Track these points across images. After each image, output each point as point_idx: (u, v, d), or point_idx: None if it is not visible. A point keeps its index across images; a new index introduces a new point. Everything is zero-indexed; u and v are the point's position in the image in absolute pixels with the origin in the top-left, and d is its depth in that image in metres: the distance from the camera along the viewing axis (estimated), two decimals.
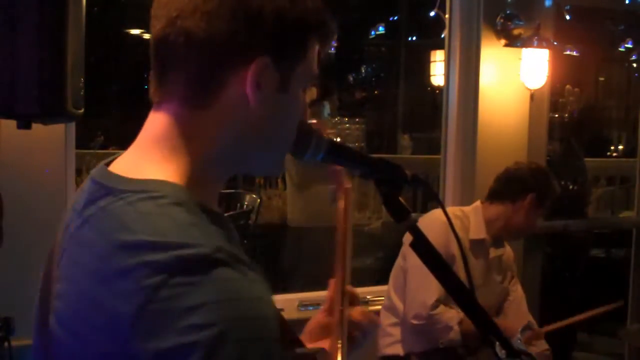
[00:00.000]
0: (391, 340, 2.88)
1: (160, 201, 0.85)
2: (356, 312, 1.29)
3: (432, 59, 6.68)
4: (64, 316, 0.88)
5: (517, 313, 3.02)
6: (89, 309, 0.84)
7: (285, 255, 5.09)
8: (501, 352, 1.17)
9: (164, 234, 0.81)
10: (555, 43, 3.82)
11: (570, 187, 5.00)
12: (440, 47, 5.03)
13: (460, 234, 2.82)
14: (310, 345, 1.29)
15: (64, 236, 0.94)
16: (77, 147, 3.02)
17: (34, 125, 1.94)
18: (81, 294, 0.86)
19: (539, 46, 3.70)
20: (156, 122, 0.95)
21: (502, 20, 3.72)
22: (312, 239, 4.78)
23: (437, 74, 6.45)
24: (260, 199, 6.20)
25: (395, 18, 11.45)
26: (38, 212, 2.68)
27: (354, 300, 1.31)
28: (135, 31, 9.13)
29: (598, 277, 5.28)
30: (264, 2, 0.90)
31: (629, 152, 7.41)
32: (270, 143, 0.98)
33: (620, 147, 9.26)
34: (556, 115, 6.66)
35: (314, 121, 1.15)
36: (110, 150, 6.85)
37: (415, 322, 2.75)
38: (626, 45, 9.99)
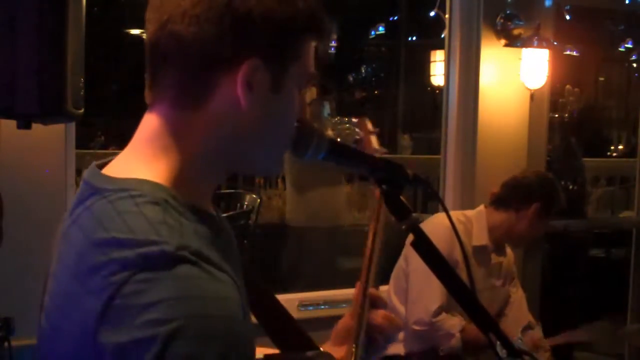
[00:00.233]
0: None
1: (138, 200, 0.87)
2: (378, 316, 1.28)
3: (432, 59, 6.69)
4: (49, 312, 0.92)
5: (517, 313, 3.01)
6: (67, 305, 0.87)
7: (285, 255, 5.09)
8: (502, 352, 1.17)
9: (133, 232, 0.83)
10: (555, 43, 3.81)
11: (570, 187, 5.00)
12: (440, 47, 5.03)
13: (464, 239, 2.81)
14: (328, 349, 1.29)
15: (59, 237, 0.97)
16: (77, 147, 3.02)
17: (34, 125, 1.94)
18: (62, 290, 0.89)
19: (539, 46, 3.70)
20: (148, 123, 0.96)
21: (502, 20, 3.72)
22: (312, 239, 4.79)
23: (437, 74, 6.46)
24: (260, 199, 6.20)
25: (395, 18, 11.46)
26: (38, 212, 2.68)
27: (377, 303, 1.30)
28: (135, 31, 9.13)
29: (598, 277, 5.28)
30: (252, 5, 0.91)
31: (629, 152, 7.40)
32: (266, 143, 0.98)
33: (620, 147, 9.26)
34: (556, 115, 6.67)
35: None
36: (110, 150, 6.86)
37: (416, 327, 2.75)
38: (626, 45, 9.99)
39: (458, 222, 2.84)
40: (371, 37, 11.59)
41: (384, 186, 1.15)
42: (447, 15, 3.82)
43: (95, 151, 6.59)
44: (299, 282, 4.76)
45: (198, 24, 0.90)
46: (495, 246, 2.92)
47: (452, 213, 2.94)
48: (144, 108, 0.99)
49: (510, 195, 2.89)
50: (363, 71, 12.71)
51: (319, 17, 0.97)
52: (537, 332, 3.01)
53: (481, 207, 2.96)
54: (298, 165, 4.53)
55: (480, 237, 2.88)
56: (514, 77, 3.76)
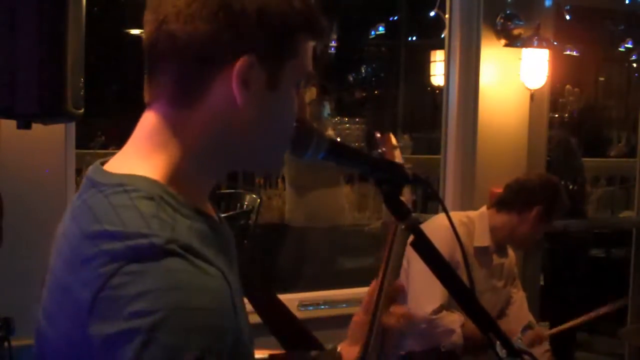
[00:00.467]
0: None
1: (132, 194, 0.88)
2: (391, 318, 1.26)
3: (432, 59, 6.69)
4: (46, 306, 0.94)
5: (518, 313, 3.01)
6: (61, 297, 0.88)
7: (285, 255, 5.09)
8: (502, 352, 1.17)
9: (125, 225, 0.85)
10: (555, 43, 3.81)
11: (570, 187, 5.00)
12: (440, 47, 5.03)
13: (465, 240, 2.81)
14: (344, 348, 1.28)
15: (59, 232, 0.98)
16: (77, 147, 3.02)
17: (34, 125, 1.94)
18: (57, 282, 0.91)
19: (539, 46, 3.70)
20: (146, 121, 0.97)
21: (502, 20, 3.72)
22: (312, 239, 4.79)
23: (437, 74, 6.46)
24: (260, 199, 6.20)
25: (395, 18, 11.45)
26: (38, 212, 2.68)
27: (397, 298, 1.28)
28: (135, 31, 9.12)
29: (598, 277, 5.28)
30: (247, 2, 0.91)
31: (629, 152, 7.40)
32: (264, 140, 0.98)
33: (620, 143, 9.23)
34: (556, 115, 6.67)
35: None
36: (110, 150, 6.85)
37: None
38: (626, 45, 9.99)
39: (460, 224, 2.83)
40: (371, 37, 11.58)
41: (384, 186, 1.15)
42: (447, 15, 3.82)
43: (95, 151, 6.58)
44: (299, 282, 4.76)
45: (192, 22, 0.91)
46: (497, 247, 2.91)
47: (455, 214, 2.94)
48: (144, 108, 1.00)
49: (513, 198, 2.88)
50: (363, 71, 12.71)
51: (314, 16, 0.98)
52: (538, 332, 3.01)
53: (483, 209, 2.95)
54: (297, 165, 4.53)
55: (482, 239, 2.87)
56: (514, 77, 3.76)
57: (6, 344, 2.34)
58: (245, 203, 6.09)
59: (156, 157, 0.94)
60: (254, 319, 1.22)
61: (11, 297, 2.43)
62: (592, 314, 3.14)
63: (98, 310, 0.82)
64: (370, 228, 6.73)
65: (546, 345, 2.99)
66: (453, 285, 1.16)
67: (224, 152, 0.97)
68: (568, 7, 4.24)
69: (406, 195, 1.35)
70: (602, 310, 3.14)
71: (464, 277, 1.19)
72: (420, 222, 2.46)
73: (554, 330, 3.04)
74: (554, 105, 6.45)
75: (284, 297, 3.50)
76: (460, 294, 1.16)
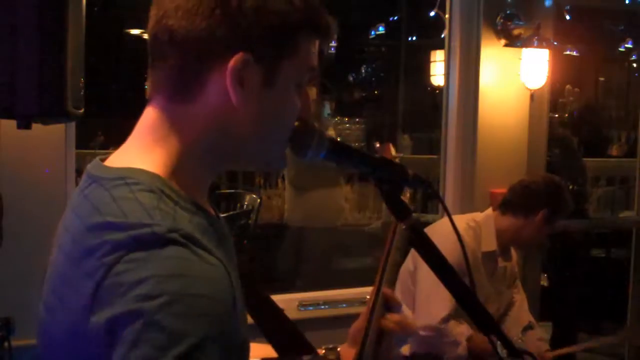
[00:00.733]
0: None
1: (133, 187, 0.89)
2: (388, 322, 1.25)
3: (432, 59, 6.67)
4: (47, 299, 0.94)
5: (518, 314, 3.01)
6: (64, 289, 0.89)
7: (285, 255, 5.09)
8: (502, 352, 1.17)
9: (126, 215, 0.86)
10: (555, 43, 3.81)
11: (571, 186, 4.99)
12: (440, 47, 5.02)
13: (473, 245, 2.80)
14: (344, 350, 1.28)
15: (60, 226, 0.99)
16: (77, 147, 3.01)
17: (34, 125, 1.93)
18: (59, 276, 0.91)
19: (539, 46, 3.70)
20: (147, 116, 0.98)
21: (502, 20, 3.72)
22: (311, 239, 4.79)
23: (437, 74, 6.44)
24: (260, 198, 6.20)
25: (395, 18, 11.46)
26: (38, 212, 2.68)
27: (391, 305, 1.26)
28: (135, 31, 9.13)
29: (598, 277, 5.28)
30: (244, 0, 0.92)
31: (628, 153, 7.40)
32: (262, 137, 0.99)
33: (621, 139, 9.22)
34: (556, 115, 6.67)
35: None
36: (110, 150, 6.85)
37: (423, 333, 2.73)
38: (626, 45, 10.00)
39: (468, 228, 2.82)
40: (371, 37, 11.59)
41: (384, 186, 1.14)
42: (447, 15, 3.82)
43: (95, 151, 6.58)
44: (298, 282, 4.76)
45: (189, 18, 0.92)
46: (501, 250, 2.91)
47: (461, 217, 2.92)
48: (144, 108, 1.00)
49: (518, 201, 2.87)
50: (363, 71, 12.72)
51: (317, 14, 0.98)
52: (537, 332, 3.01)
53: (489, 211, 2.94)
54: (297, 165, 4.53)
55: (489, 243, 2.86)
56: (514, 77, 3.76)
57: (6, 344, 2.34)
58: (245, 203, 6.09)
59: (156, 151, 0.95)
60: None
61: (11, 297, 2.43)
62: (595, 342, 3.15)
63: (101, 298, 0.82)
64: (370, 228, 6.73)
65: (546, 346, 2.99)
66: (455, 286, 1.16)
67: (223, 147, 0.97)
68: (568, 7, 4.24)
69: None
70: (607, 340, 3.15)
71: (468, 282, 1.18)
72: (420, 223, 2.45)
73: (556, 352, 3.04)
74: (554, 105, 6.45)
75: (283, 297, 3.53)
76: (462, 294, 1.16)
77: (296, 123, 1.03)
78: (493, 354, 1.13)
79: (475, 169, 3.74)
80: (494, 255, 2.88)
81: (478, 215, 2.94)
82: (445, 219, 2.96)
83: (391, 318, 1.23)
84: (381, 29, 11.30)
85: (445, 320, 2.68)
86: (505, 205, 2.90)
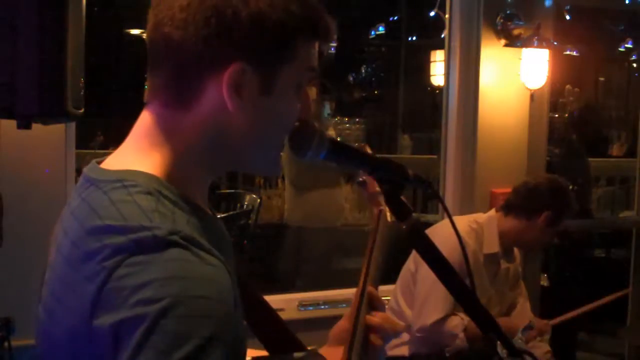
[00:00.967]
0: (397, 342, 2.86)
1: (131, 190, 0.89)
2: (374, 318, 1.26)
3: (432, 59, 6.67)
4: (46, 302, 0.94)
5: (520, 312, 3.01)
6: (63, 293, 0.89)
7: (285, 255, 5.09)
8: (502, 352, 1.17)
9: (126, 219, 0.86)
10: (555, 43, 3.81)
11: (571, 186, 4.99)
12: (440, 47, 5.03)
13: (475, 247, 2.80)
14: (324, 351, 1.28)
15: (57, 229, 0.99)
16: (77, 147, 3.02)
17: (34, 125, 1.93)
18: (58, 279, 0.91)
19: (539, 46, 3.69)
20: (143, 121, 0.98)
21: (502, 20, 3.72)
22: (311, 239, 4.79)
23: (437, 74, 6.44)
24: (260, 198, 6.20)
25: (395, 18, 11.46)
26: (38, 212, 2.68)
27: (375, 304, 1.27)
28: (135, 31, 9.13)
29: (598, 277, 5.28)
30: (239, 8, 0.91)
31: (628, 153, 7.40)
32: (260, 143, 0.98)
33: (621, 136, 9.22)
34: (556, 115, 6.67)
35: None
36: (109, 150, 6.85)
37: (419, 335, 2.74)
38: (626, 45, 9.99)
39: (470, 230, 2.81)
40: (371, 37, 11.59)
41: (384, 186, 1.14)
42: (447, 15, 3.82)
43: (95, 151, 6.58)
44: (299, 282, 4.76)
45: (185, 27, 0.91)
46: (504, 251, 2.90)
47: (463, 219, 2.91)
48: (143, 108, 1.00)
49: (522, 203, 2.86)
50: (363, 71, 12.71)
51: (315, 17, 0.97)
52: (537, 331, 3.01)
53: (492, 212, 2.93)
54: (297, 165, 4.53)
55: (491, 245, 2.85)
56: (514, 77, 3.76)
57: (6, 344, 2.34)
58: (245, 203, 6.09)
59: (153, 154, 0.95)
60: None
61: (11, 297, 2.43)
62: (595, 304, 3.14)
63: (103, 302, 0.82)
64: (370, 228, 6.72)
65: (546, 347, 2.99)
66: (454, 286, 1.15)
67: (219, 154, 0.97)
68: (568, 7, 4.24)
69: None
70: (605, 299, 3.14)
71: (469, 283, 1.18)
72: (420, 223, 2.45)
73: (556, 320, 3.03)
74: (554, 105, 6.44)
75: (283, 297, 3.53)
76: (462, 294, 1.16)
77: (296, 123, 1.03)
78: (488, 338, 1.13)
79: (475, 169, 3.74)
80: (496, 257, 2.87)
81: (480, 217, 2.93)
82: (447, 220, 2.95)
83: (376, 315, 1.25)
84: (381, 29, 11.30)
85: (437, 323, 2.68)
86: (508, 207, 2.89)
